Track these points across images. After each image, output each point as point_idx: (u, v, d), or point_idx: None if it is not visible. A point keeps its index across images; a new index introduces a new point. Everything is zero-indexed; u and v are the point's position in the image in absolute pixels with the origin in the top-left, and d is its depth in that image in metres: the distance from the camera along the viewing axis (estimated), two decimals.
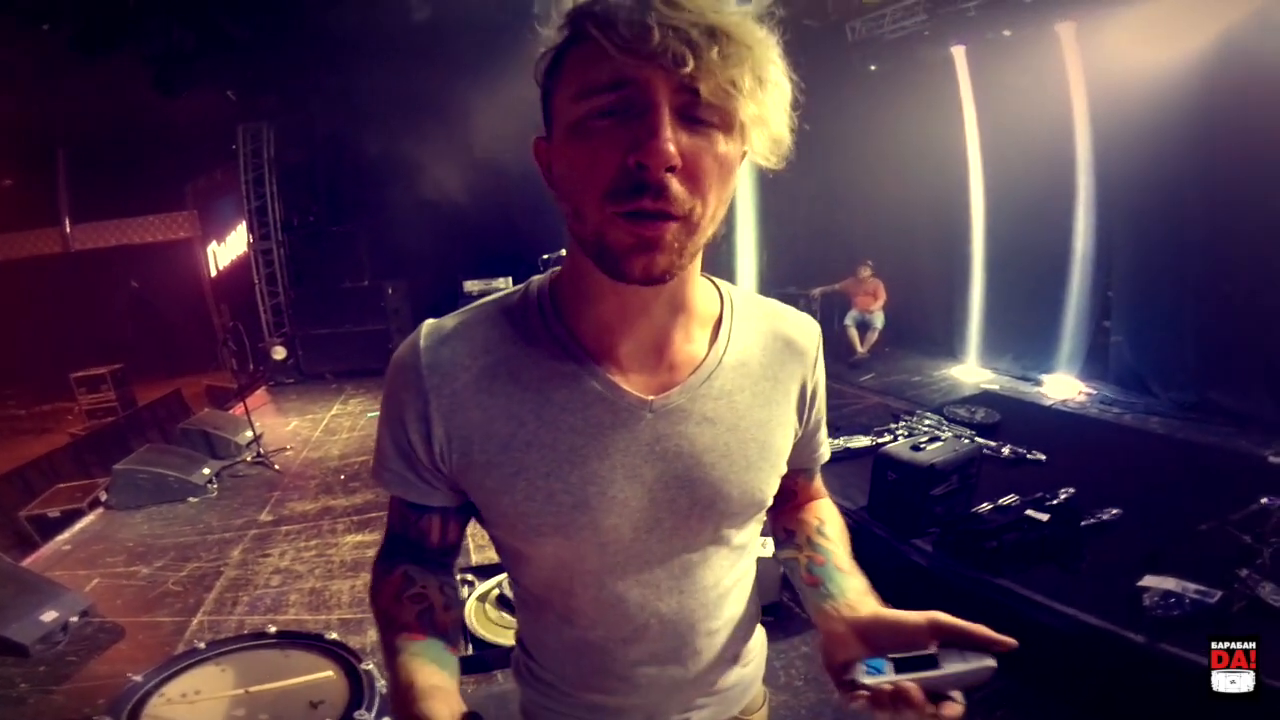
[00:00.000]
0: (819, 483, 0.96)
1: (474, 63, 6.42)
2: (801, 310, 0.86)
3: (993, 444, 3.74)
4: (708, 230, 0.63)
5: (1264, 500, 2.60)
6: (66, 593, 3.10)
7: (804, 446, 0.86)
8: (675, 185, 0.58)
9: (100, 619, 3.11)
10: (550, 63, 0.63)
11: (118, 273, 10.12)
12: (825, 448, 0.93)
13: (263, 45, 6.22)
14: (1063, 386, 5.24)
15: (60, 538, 4.09)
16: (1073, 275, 5.29)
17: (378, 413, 0.77)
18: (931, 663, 0.61)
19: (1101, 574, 2.48)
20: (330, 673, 1.74)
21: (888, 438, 3.89)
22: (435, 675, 0.67)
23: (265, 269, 8.19)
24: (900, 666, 0.61)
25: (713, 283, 0.79)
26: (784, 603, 2.52)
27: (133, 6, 5.24)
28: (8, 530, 4.48)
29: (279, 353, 7.65)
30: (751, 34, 0.57)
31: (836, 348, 6.48)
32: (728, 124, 0.59)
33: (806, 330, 0.83)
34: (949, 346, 6.42)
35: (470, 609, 2.77)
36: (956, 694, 0.61)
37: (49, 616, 2.91)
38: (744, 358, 0.76)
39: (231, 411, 5.94)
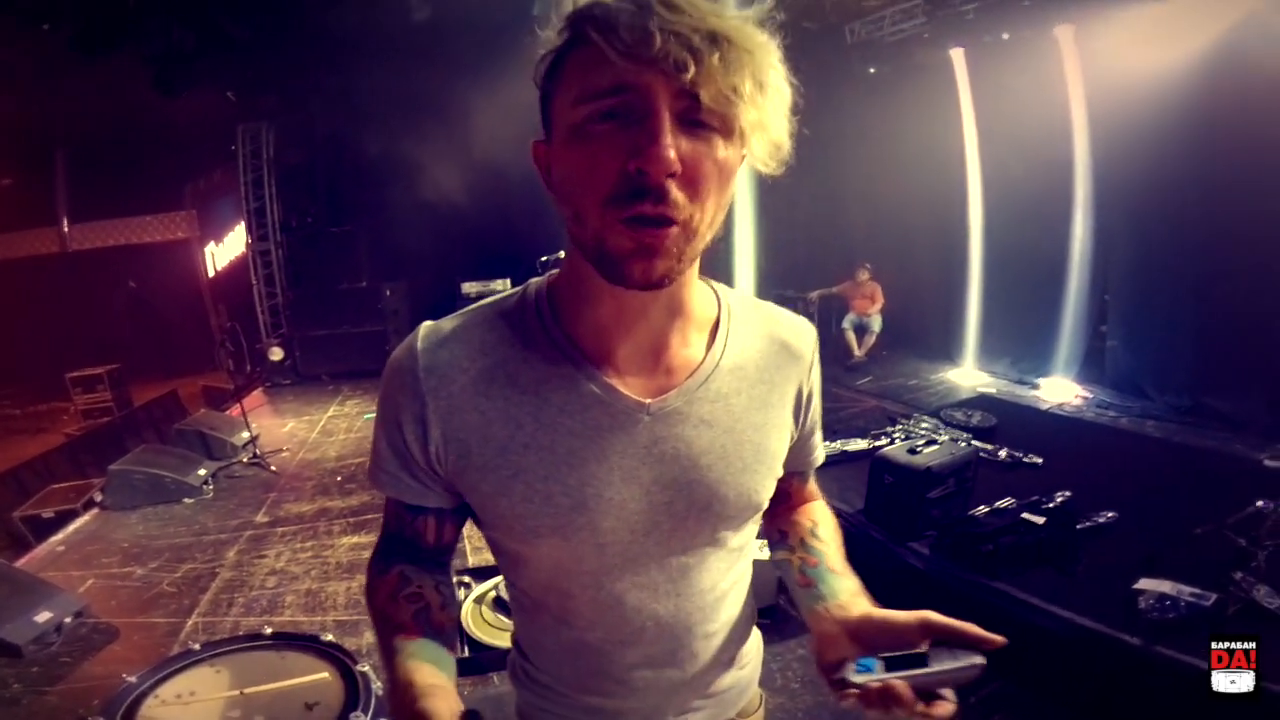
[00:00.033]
0: (813, 485, 0.97)
1: (473, 64, 6.42)
2: (799, 313, 0.86)
3: (989, 447, 3.75)
4: (706, 236, 0.63)
5: (1259, 503, 2.61)
6: (61, 593, 3.09)
7: (799, 449, 0.87)
8: (675, 191, 0.58)
9: (94, 620, 3.09)
10: (550, 65, 0.63)
11: (115, 273, 10.10)
12: (820, 451, 0.93)
13: (262, 46, 6.22)
14: (1059, 390, 5.25)
15: (54, 538, 4.07)
16: (1070, 279, 5.30)
17: (375, 414, 0.77)
18: (922, 661, 0.61)
19: (1097, 577, 2.49)
20: (326, 674, 1.73)
21: (885, 441, 3.90)
22: (433, 675, 0.67)
23: (263, 270, 8.18)
24: (891, 665, 0.62)
25: (710, 286, 0.79)
26: (781, 606, 2.52)
27: (133, 6, 5.23)
28: (1, 531, 4.47)
29: (276, 354, 7.64)
30: (752, 39, 0.57)
31: (834, 351, 6.48)
32: (728, 129, 0.59)
33: (803, 334, 0.83)
34: (946, 350, 6.43)
35: (467, 611, 2.76)
36: (948, 692, 0.61)
37: (43, 617, 2.90)
38: (741, 361, 0.77)
39: (228, 412, 5.92)
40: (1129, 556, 2.51)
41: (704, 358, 0.75)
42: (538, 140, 0.68)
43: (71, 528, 4.20)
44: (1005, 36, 5.28)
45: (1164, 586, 2.25)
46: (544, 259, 3.98)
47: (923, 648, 0.62)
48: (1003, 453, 3.69)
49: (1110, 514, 2.87)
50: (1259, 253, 4.08)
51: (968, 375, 6.02)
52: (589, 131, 0.59)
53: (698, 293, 0.75)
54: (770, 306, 0.84)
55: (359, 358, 7.49)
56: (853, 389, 5.74)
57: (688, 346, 0.74)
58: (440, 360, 0.71)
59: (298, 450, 5.47)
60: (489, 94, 6.24)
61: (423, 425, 0.71)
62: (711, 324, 0.77)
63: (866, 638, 0.68)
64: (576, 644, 0.79)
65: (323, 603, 3.17)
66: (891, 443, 3.75)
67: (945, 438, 3.66)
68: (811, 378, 0.84)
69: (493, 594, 2.84)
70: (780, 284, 7.39)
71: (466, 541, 3.24)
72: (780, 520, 0.92)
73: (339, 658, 1.78)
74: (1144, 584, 2.29)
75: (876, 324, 6.49)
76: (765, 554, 0.96)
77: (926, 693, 0.60)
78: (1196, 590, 2.22)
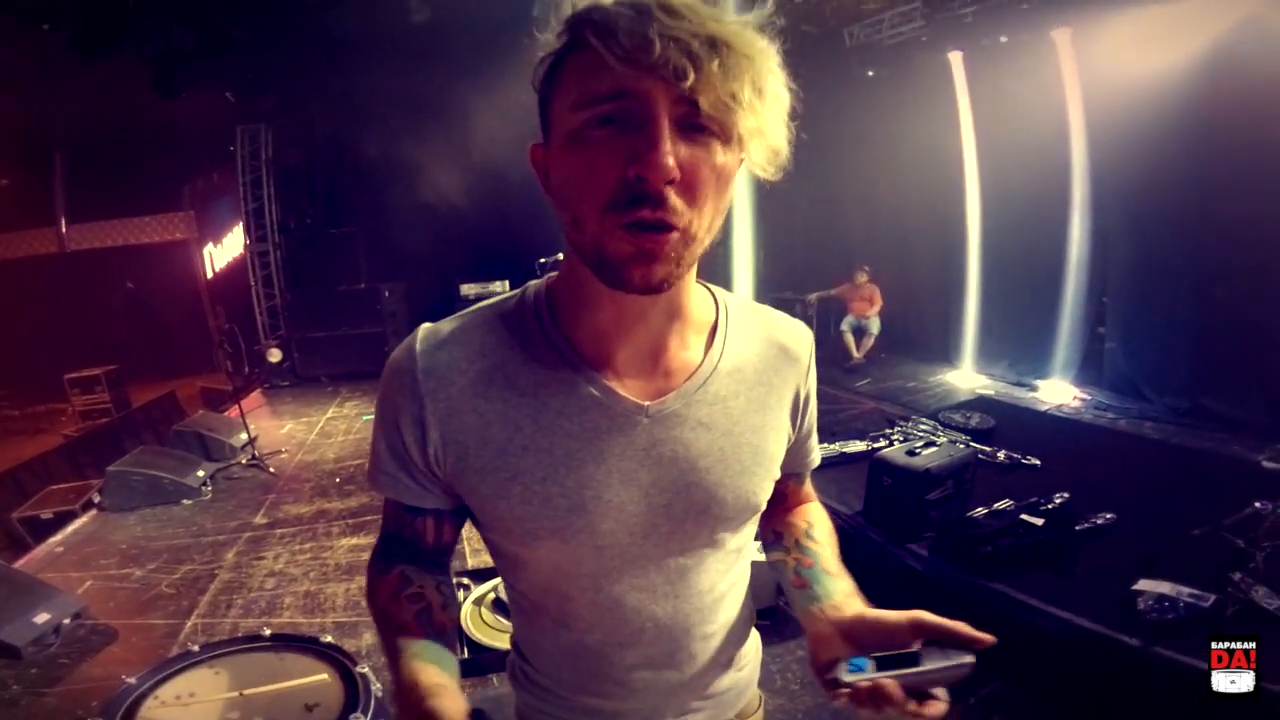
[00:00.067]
0: (809, 486, 0.97)
1: (473, 65, 6.43)
2: (798, 315, 0.86)
3: (988, 449, 3.75)
4: (705, 241, 0.63)
5: (1257, 504, 2.62)
6: (59, 595, 3.09)
7: (796, 451, 0.87)
8: (673, 197, 0.58)
9: (93, 621, 3.09)
10: (548, 69, 0.63)
11: (113, 274, 10.10)
12: (816, 453, 0.93)
13: (262, 47, 6.22)
14: (1057, 392, 5.26)
15: (53, 539, 4.06)
16: (1068, 281, 5.31)
17: (373, 416, 0.78)
18: (913, 660, 0.62)
19: (1096, 578, 2.49)
20: (325, 676, 1.73)
21: (883, 443, 3.90)
22: (438, 675, 0.68)
23: (262, 271, 8.17)
24: (882, 664, 0.63)
25: (708, 290, 0.79)
26: (780, 607, 2.52)
27: (132, 7, 5.24)
28: (0, 532, 4.46)
29: (275, 355, 7.64)
30: (752, 44, 0.57)
31: (833, 353, 6.49)
32: (726, 135, 0.59)
33: (800, 337, 0.84)
34: (945, 352, 6.43)
35: (466, 613, 2.76)
36: (941, 691, 0.61)
37: (41, 618, 2.90)
38: (739, 364, 0.77)
39: (226, 414, 5.92)
40: (1127, 558, 2.51)
41: (702, 361, 0.75)
42: (536, 144, 0.68)
43: (70, 529, 4.19)
44: (1003, 39, 5.30)
45: (1162, 587, 2.25)
46: (542, 261, 3.98)
47: (915, 647, 0.63)
48: (1001, 454, 3.70)
49: (1109, 515, 2.88)
50: (1257, 254, 4.09)
51: (966, 377, 6.03)
52: (588, 137, 0.59)
53: (696, 296, 0.75)
54: (768, 310, 0.84)
55: (357, 359, 7.49)
56: (851, 391, 5.74)
57: (686, 349, 0.75)
58: (439, 362, 0.72)
59: (296, 452, 5.46)
60: (488, 95, 6.25)
61: (421, 427, 0.72)
62: (710, 327, 0.77)
63: (859, 638, 0.68)
64: (575, 646, 0.79)
65: (321, 604, 3.17)
66: (890, 444, 3.75)
67: (944, 439, 3.67)
68: (808, 381, 0.84)
69: (491, 596, 2.83)
70: (779, 286, 7.40)
71: (465, 543, 3.24)
72: (776, 521, 0.92)
73: (338, 659, 1.78)
74: (1142, 585, 2.29)
75: (875, 326, 6.50)
76: (764, 555, 0.97)
77: (918, 692, 0.61)
78: (1195, 591, 2.22)
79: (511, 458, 0.70)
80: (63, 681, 2.68)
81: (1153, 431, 4.39)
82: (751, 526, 0.82)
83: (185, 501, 4.45)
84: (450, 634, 0.77)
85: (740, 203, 7.28)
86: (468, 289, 7.53)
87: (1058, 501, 2.96)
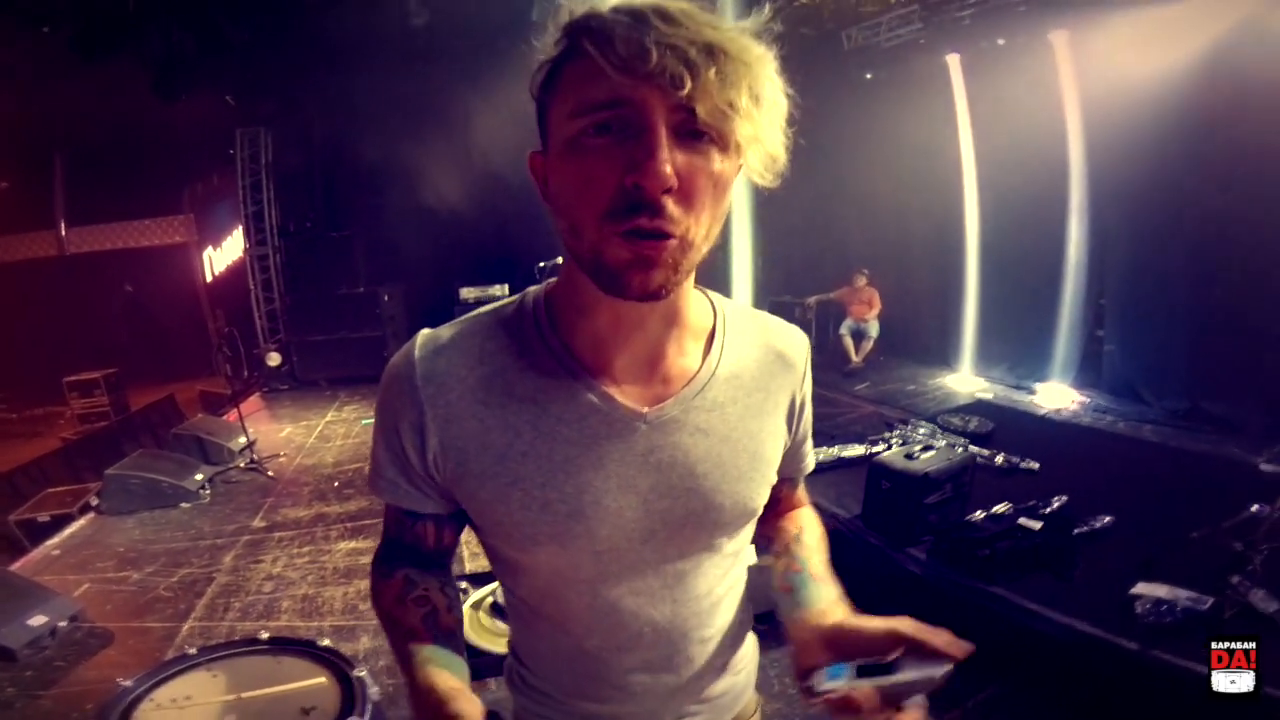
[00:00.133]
0: (802, 491, 0.98)
1: (472, 69, 6.44)
2: (797, 319, 0.87)
3: (986, 452, 3.75)
4: (703, 247, 0.63)
5: (1254, 507, 2.62)
6: (55, 597, 3.08)
7: (791, 456, 0.87)
8: (671, 205, 0.58)
9: (89, 624, 3.08)
10: (546, 77, 0.63)
11: (113, 277, 10.09)
12: (810, 458, 0.94)
13: (262, 50, 6.23)
14: (1056, 395, 5.27)
15: (50, 542, 4.06)
16: (1066, 284, 5.32)
17: (372, 420, 0.78)
18: (891, 669, 0.63)
19: (1094, 581, 2.50)
20: (323, 679, 1.73)
21: (882, 446, 3.90)
22: (452, 679, 0.70)
23: (261, 274, 8.17)
24: (861, 672, 0.64)
25: (706, 296, 0.80)
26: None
27: (133, 10, 5.24)
28: None
29: (274, 359, 7.63)
30: (749, 51, 0.57)
31: (831, 357, 6.49)
32: (723, 142, 0.59)
33: (796, 343, 0.84)
34: (943, 356, 6.44)
35: (464, 617, 2.76)
36: (918, 699, 0.62)
37: (37, 621, 2.89)
38: (736, 370, 0.77)
39: (225, 417, 5.92)
40: (1126, 561, 2.51)
41: (700, 367, 0.75)
42: (534, 152, 0.68)
43: (67, 532, 4.19)
44: (1001, 42, 5.32)
45: (1161, 590, 2.26)
46: (542, 265, 3.99)
47: (895, 656, 0.63)
48: (999, 458, 3.70)
49: (1107, 518, 2.88)
50: (1255, 256, 4.10)
51: (965, 381, 6.03)
52: (585, 145, 0.59)
53: (694, 302, 0.76)
54: (765, 316, 0.85)
55: (357, 363, 7.49)
56: (850, 394, 5.74)
57: (684, 356, 0.75)
58: (438, 368, 0.72)
59: (295, 455, 5.46)
60: (487, 99, 6.27)
61: (420, 433, 0.72)
62: (707, 333, 0.77)
63: (841, 645, 0.69)
64: (573, 650, 0.79)
65: (319, 608, 3.16)
66: (889, 448, 3.76)
67: (942, 443, 3.67)
68: (804, 386, 0.85)
69: (490, 600, 2.83)
70: (777, 290, 7.40)
71: (464, 547, 3.24)
72: (767, 525, 0.92)
73: (335, 663, 1.77)
74: (1141, 588, 2.29)
75: (874, 329, 6.50)
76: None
77: (894, 700, 0.61)
78: (1193, 594, 2.22)
79: (511, 463, 0.71)
80: (58, 684, 2.67)
81: (1151, 434, 4.39)
82: (748, 531, 0.83)
83: (183, 505, 4.44)
84: (457, 635, 0.78)
85: (739, 206, 7.28)
86: (467, 292, 7.53)
87: (1056, 505, 2.96)
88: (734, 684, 0.89)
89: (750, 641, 0.92)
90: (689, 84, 0.54)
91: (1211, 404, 4.42)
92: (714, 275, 6.23)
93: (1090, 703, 2.24)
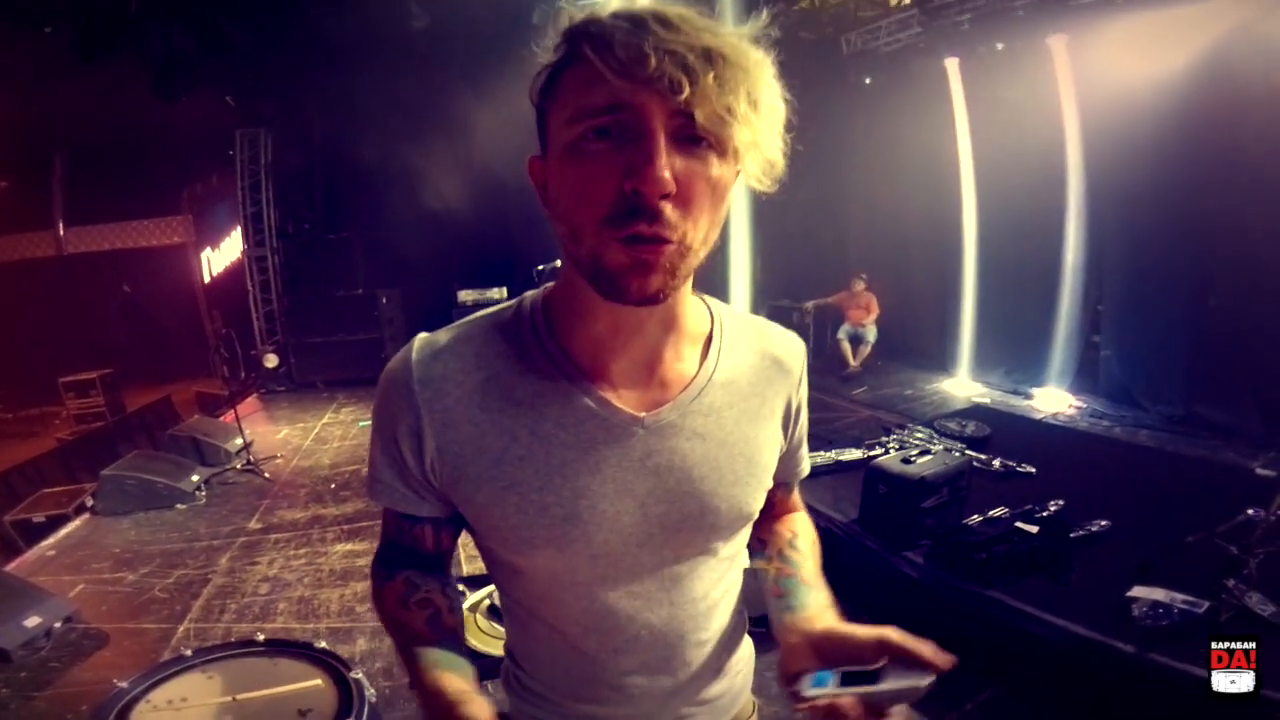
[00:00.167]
0: (797, 496, 0.98)
1: (472, 71, 6.45)
2: (795, 323, 0.87)
3: (983, 457, 3.75)
4: (701, 252, 0.64)
5: (1250, 511, 2.63)
6: (50, 598, 3.07)
7: (787, 461, 0.88)
8: (669, 210, 0.59)
9: (85, 625, 3.07)
10: (545, 82, 0.64)
11: (111, 277, 10.08)
12: (806, 463, 0.94)
13: (262, 51, 6.24)
14: (1053, 400, 5.28)
15: (45, 543, 4.05)
16: (1063, 289, 5.34)
17: (369, 422, 0.78)
18: (875, 677, 0.63)
19: (1091, 585, 2.50)
20: (319, 681, 1.72)
21: (879, 451, 3.90)
22: (460, 681, 0.70)
23: (259, 276, 8.16)
24: (846, 680, 0.64)
25: (703, 301, 0.80)
26: None
27: (133, 10, 5.25)
28: None
29: (271, 360, 7.62)
30: (747, 57, 0.58)
31: (829, 361, 6.50)
32: (722, 147, 0.60)
33: (792, 349, 0.85)
34: (940, 360, 6.45)
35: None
36: (901, 708, 0.63)
37: (32, 622, 2.88)
38: (733, 375, 0.78)
39: (222, 418, 5.91)
40: (1122, 565, 2.52)
41: (697, 372, 0.76)
42: (534, 156, 0.69)
43: (62, 532, 4.17)
44: (999, 46, 5.34)
45: (1157, 594, 2.26)
46: (540, 268, 3.98)
47: (880, 664, 0.64)
48: (996, 462, 3.70)
49: (1103, 522, 2.88)
50: (1252, 262, 4.12)
51: (962, 385, 6.04)
52: (584, 150, 0.60)
53: (691, 307, 0.76)
54: (761, 321, 0.85)
55: (354, 365, 7.48)
56: (847, 399, 5.75)
57: (681, 360, 0.75)
58: (435, 373, 0.72)
59: (292, 457, 5.45)
60: (487, 101, 6.27)
61: (418, 438, 0.72)
62: (704, 338, 0.78)
63: (827, 652, 0.69)
64: (570, 652, 0.80)
65: (316, 610, 3.15)
66: (886, 452, 3.76)
67: (939, 447, 3.67)
68: (800, 392, 0.85)
69: (487, 602, 2.82)
70: (775, 294, 7.41)
71: (461, 550, 3.23)
72: (762, 529, 0.93)
73: (332, 664, 1.77)
74: (1137, 592, 2.29)
75: (871, 334, 6.51)
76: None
77: (877, 708, 0.62)
78: (1189, 598, 2.22)
79: (508, 467, 0.71)
80: (53, 685, 2.66)
81: (1147, 439, 4.41)
82: (744, 534, 0.83)
83: (179, 506, 4.43)
84: (460, 636, 0.79)
85: (737, 210, 7.31)
86: (465, 295, 7.54)
87: (1053, 509, 2.96)
88: (730, 686, 0.89)
89: (747, 644, 0.92)
90: (687, 89, 0.55)
91: (1207, 409, 4.44)
92: (712, 279, 6.24)
93: (1087, 705, 2.24)
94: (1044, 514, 2.90)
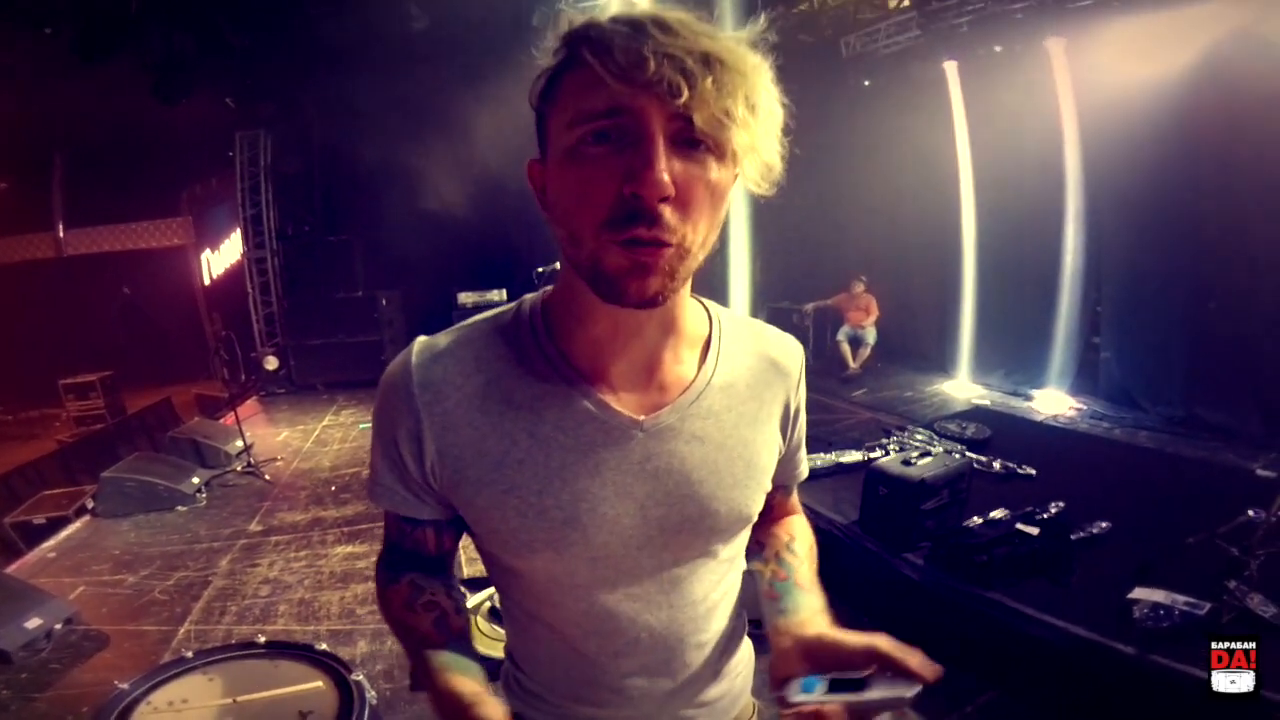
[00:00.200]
0: (795, 498, 0.98)
1: (472, 73, 6.46)
2: (794, 326, 0.88)
3: (983, 459, 3.76)
4: (699, 255, 0.64)
5: (1251, 513, 2.63)
6: (51, 600, 3.07)
7: (785, 464, 0.88)
8: (668, 214, 0.59)
9: (85, 627, 3.07)
10: (545, 86, 0.64)
11: (110, 279, 10.08)
12: (804, 466, 0.94)
13: (262, 53, 6.25)
14: (1053, 402, 5.28)
15: (45, 545, 4.04)
16: (1062, 291, 5.34)
17: (369, 424, 0.78)
18: (862, 685, 0.63)
19: (1091, 587, 2.50)
20: (319, 683, 1.72)
21: (879, 453, 3.91)
22: (471, 683, 0.71)
23: (259, 278, 8.16)
24: (834, 686, 0.65)
25: (702, 304, 0.80)
26: None
27: (133, 12, 5.25)
28: None
29: (271, 362, 7.62)
30: (745, 61, 0.58)
31: (829, 363, 6.50)
32: (720, 151, 0.60)
33: (790, 351, 0.85)
34: (940, 362, 6.45)
35: None
36: (886, 717, 0.63)
37: (33, 623, 2.88)
38: (731, 378, 0.78)
39: (222, 421, 5.90)
40: (1123, 566, 2.52)
41: (696, 375, 0.76)
42: (533, 160, 0.69)
43: (63, 534, 4.17)
44: (998, 49, 5.35)
45: (1158, 596, 2.26)
46: (540, 270, 3.98)
47: (869, 670, 0.64)
48: (997, 464, 3.70)
49: (1104, 524, 2.88)
50: (1250, 264, 4.13)
51: (962, 387, 6.04)
52: (583, 153, 0.60)
53: (690, 310, 0.76)
54: (760, 324, 0.86)
55: (354, 367, 7.47)
56: (847, 401, 5.75)
57: (680, 364, 0.75)
58: (434, 376, 0.72)
59: (292, 459, 5.45)
60: (487, 103, 6.27)
61: (418, 441, 0.72)
62: (703, 341, 0.78)
63: (818, 656, 0.70)
64: (570, 654, 0.80)
65: (316, 612, 3.15)
66: (886, 454, 3.76)
67: (939, 449, 3.67)
68: (798, 394, 0.85)
69: (487, 605, 2.83)
70: (775, 296, 7.42)
71: (462, 552, 3.22)
72: (760, 531, 0.93)
73: (333, 666, 1.77)
74: (1138, 593, 2.29)
75: (871, 336, 6.51)
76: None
77: (862, 717, 0.63)
78: (1190, 599, 2.22)
79: (507, 471, 0.71)
80: (53, 687, 2.66)
81: (1147, 440, 4.41)
82: (743, 537, 0.83)
83: (179, 508, 4.43)
84: (467, 637, 0.79)
85: (737, 212, 7.30)
86: (465, 297, 7.54)
87: (1053, 511, 2.96)
88: (730, 689, 0.89)
89: (746, 646, 0.92)
90: (686, 93, 0.55)
91: (1207, 410, 4.44)
92: (712, 282, 6.24)
93: (1088, 707, 2.24)
94: (1044, 516, 2.90)
